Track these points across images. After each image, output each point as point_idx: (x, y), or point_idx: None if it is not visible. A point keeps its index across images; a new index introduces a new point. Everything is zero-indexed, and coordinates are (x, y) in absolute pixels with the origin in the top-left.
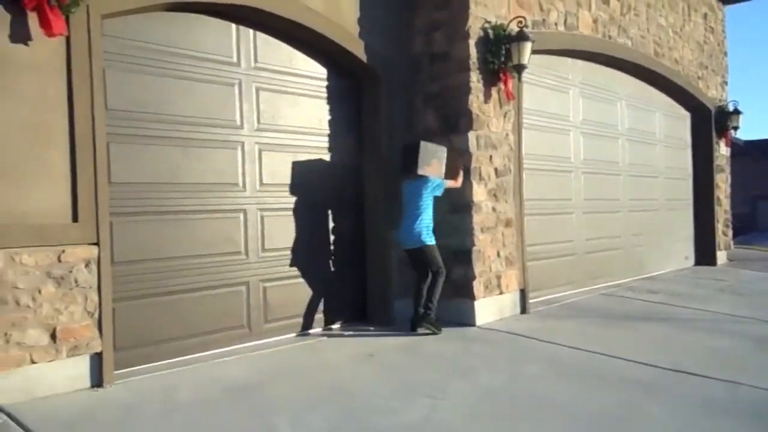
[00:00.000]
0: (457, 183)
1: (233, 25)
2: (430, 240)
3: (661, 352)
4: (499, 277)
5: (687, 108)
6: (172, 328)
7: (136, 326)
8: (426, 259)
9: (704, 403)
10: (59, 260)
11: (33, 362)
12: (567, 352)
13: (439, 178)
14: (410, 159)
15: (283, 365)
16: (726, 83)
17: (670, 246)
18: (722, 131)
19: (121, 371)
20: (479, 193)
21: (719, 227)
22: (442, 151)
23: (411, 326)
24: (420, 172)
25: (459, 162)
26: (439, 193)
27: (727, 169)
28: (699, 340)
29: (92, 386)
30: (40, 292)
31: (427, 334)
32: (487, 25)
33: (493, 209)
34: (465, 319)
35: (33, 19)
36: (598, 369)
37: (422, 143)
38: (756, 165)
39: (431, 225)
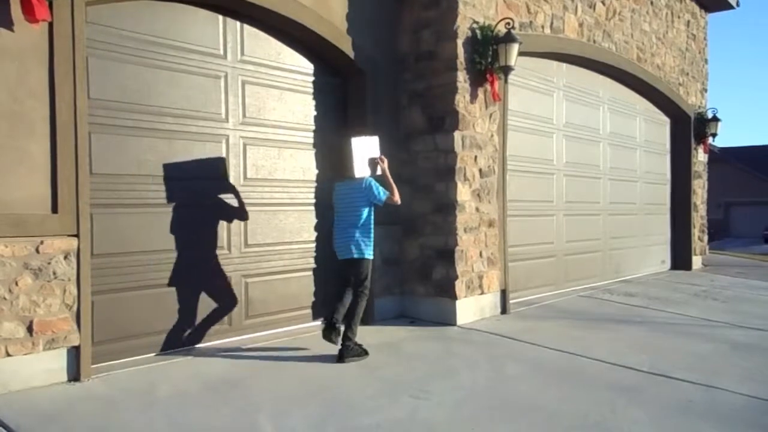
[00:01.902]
0: (396, 199)
1: (220, 17)
2: (367, 254)
3: (640, 355)
4: (481, 278)
5: (667, 114)
6: (152, 322)
7: (116, 320)
8: (355, 272)
9: (683, 407)
10: (37, 251)
11: (8, 355)
12: (548, 354)
13: (379, 186)
14: (346, 159)
15: (264, 362)
16: (706, 90)
17: (648, 250)
18: (701, 138)
19: (99, 365)
20: (463, 193)
21: (695, 232)
22: (374, 142)
23: (323, 334)
24: (357, 174)
25: (392, 170)
26: (379, 201)
27: (705, 176)
28: (676, 343)
29: (69, 380)
30: (16, 283)
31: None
32: (475, 26)
33: (477, 209)
34: (446, 318)
35: (15, 4)
36: (579, 371)
37: (353, 140)
38: (730, 172)
39: (371, 234)
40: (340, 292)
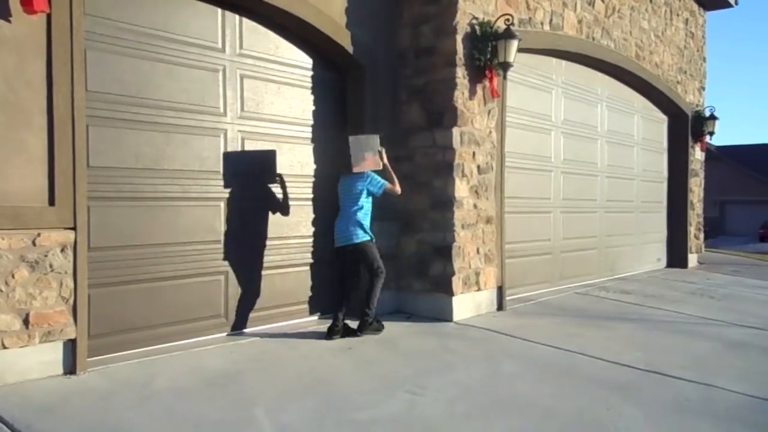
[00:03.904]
0: (396, 190)
1: (219, 10)
2: (364, 237)
3: (636, 352)
4: (477, 274)
5: (665, 112)
6: (148, 316)
7: (112, 313)
8: (362, 258)
9: (679, 406)
10: (34, 244)
11: (4, 347)
12: (544, 351)
13: (378, 177)
14: (346, 156)
15: (261, 356)
16: (703, 89)
17: (643, 247)
18: (698, 136)
19: (95, 358)
20: (461, 190)
21: (691, 230)
22: (374, 140)
23: (327, 334)
24: (356, 169)
25: (391, 165)
26: (377, 190)
27: (701, 174)
28: (672, 341)
29: (65, 373)
30: (13, 276)
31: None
32: (474, 22)
33: (475, 206)
34: (442, 314)
35: None
36: (575, 368)
37: (351, 138)
38: (726, 170)
39: (368, 221)
40: (341, 292)
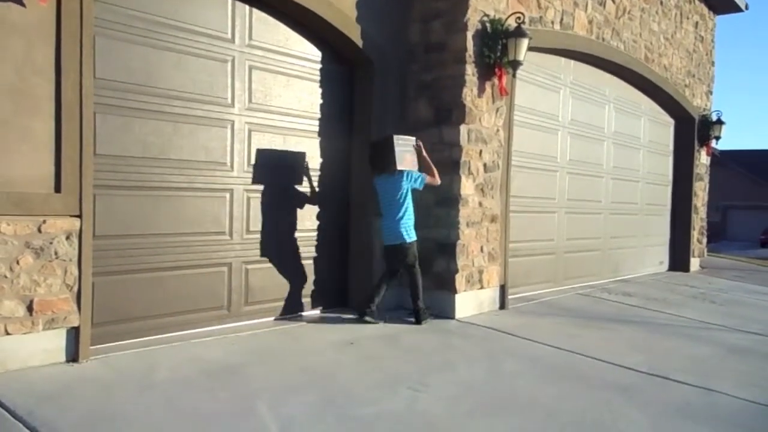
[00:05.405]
0: (436, 180)
1: (229, 0)
2: (411, 237)
3: (638, 355)
4: (481, 272)
5: (672, 115)
6: (151, 306)
7: (115, 302)
8: (404, 256)
9: (681, 410)
10: (39, 231)
11: (8, 334)
12: (546, 351)
13: (416, 171)
14: (385, 156)
15: (263, 348)
16: (711, 93)
17: (646, 250)
18: (704, 140)
19: (98, 347)
20: (467, 187)
21: (694, 234)
22: (411, 142)
23: (358, 313)
24: (399, 167)
25: (429, 156)
26: (419, 185)
27: (706, 178)
28: (674, 345)
29: (68, 361)
30: (18, 262)
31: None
32: (485, 19)
33: (480, 204)
34: (444, 311)
35: None
36: (576, 369)
37: (394, 137)
38: (728, 175)
39: (413, 220)
40: (382, 275)
